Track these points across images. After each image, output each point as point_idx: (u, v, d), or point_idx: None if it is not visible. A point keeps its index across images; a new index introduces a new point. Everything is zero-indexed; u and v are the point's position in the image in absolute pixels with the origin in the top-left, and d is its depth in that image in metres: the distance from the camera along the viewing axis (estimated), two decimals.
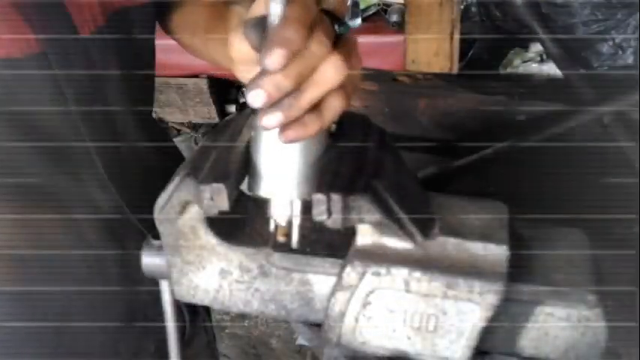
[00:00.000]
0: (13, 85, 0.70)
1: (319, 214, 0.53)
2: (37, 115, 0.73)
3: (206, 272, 0.63)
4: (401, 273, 0.57)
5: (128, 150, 0.83)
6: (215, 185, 0.54)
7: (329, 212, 0.53)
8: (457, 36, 2.13)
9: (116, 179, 0.80)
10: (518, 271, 0.58)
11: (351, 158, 0.57)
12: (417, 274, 0.57)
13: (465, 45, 2.28)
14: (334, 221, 0.54)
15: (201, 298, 0.64)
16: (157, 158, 0.89)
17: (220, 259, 0.62)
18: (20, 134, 0.72)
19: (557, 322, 0.59)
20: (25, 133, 0.72)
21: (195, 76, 2.61)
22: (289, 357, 2.32)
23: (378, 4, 2.55)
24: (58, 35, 0.71)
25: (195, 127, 2.88)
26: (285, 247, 0.60)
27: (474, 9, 2.39)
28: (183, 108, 2.69)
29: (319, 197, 0.53)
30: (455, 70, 2.18)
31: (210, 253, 0.62)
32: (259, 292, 0.63)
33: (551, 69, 2.14)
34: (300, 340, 2.30)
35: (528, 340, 0.60)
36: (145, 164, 0.86)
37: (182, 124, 2.90)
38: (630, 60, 2.14)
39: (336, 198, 0.53)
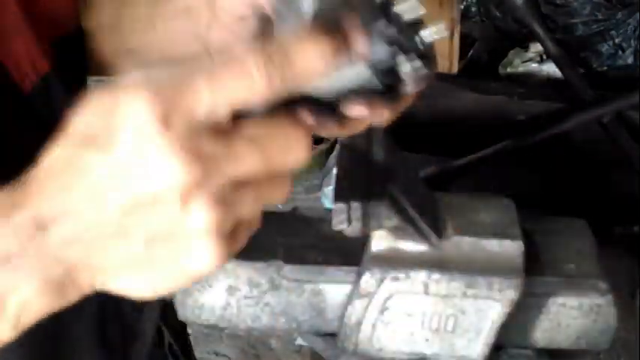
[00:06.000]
0: None
1: (339, 223, 0.52)
2: None
3: (213, 290, 0.61)
4: (420, 276, 0.56)
5: None
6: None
7: (349, 221, 0.52)
8: (457, 36, 2.13)
9: None
10: (529, 264, 0.59)
11: (363, 163, 0.56)
12: (436, 275, 0.56)
13: (465, 45, 2.28)
14: (353, 229, 0.52)
15: (207, 318, 0.62)
16: None
17: (228, 276, 0.60)
18: None
19: (569, 312, 0.59)
20: None
21: None
22: (289, 357, 2.32)
23: None
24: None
25: None
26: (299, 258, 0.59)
27: (473, 9, 2.38)
28: None
29: (339, 206, 0.51)
30: (455, 70, 2.18)
31: (218, 270, 0.61)
32: (269, 306, 0.61)
33: (550, 69, 2.15)
34: (300, 340, 2.29)
35: (542, 331, 0.61)
36: None
37: None
38: (630, 60, 2.14)
39: (355, 206, 0.51)
